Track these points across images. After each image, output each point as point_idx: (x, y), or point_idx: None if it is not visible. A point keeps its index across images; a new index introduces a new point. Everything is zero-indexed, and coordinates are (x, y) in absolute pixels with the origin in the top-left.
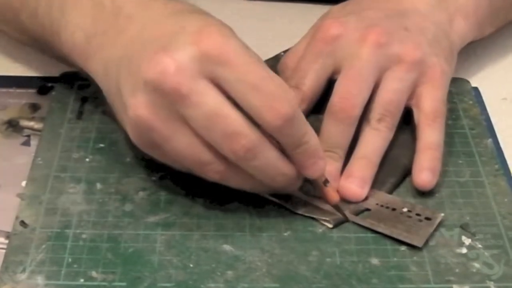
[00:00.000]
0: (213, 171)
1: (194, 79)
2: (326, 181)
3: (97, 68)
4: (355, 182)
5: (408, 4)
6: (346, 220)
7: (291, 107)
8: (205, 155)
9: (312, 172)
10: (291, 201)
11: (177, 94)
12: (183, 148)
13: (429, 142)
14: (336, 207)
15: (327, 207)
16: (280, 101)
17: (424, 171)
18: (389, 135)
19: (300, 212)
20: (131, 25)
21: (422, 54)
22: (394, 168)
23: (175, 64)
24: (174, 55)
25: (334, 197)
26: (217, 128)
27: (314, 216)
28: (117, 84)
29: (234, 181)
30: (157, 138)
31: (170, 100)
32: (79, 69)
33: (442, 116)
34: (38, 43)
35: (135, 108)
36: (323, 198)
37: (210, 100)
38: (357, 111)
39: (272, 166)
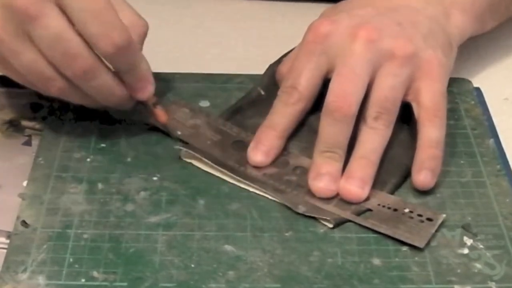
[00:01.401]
0: (55, 87)
1: (43, 1)
2: (156, 103)
3: None
4: (355, 183)
5: (400, 1)
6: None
7: (124, 37)
8: (49, 72)
9: (141, 95)
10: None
11: (26, 14)
12: (29, 64)
13: (430, 140)
14: (165, 126)
15: (327, 207)
16: (115, 31)
17: (424, 171)
18: (387, 132)
19: (300, 211)
20: None
21: (415, 48)
22: (395, 168)
23: None
24: None
25: (162, 117)
26: (59, 50)
27: (315, 216)
28: None
29: (74, 98)
30: (5, 52)
31: (18, 18)
32: None
33: (442, 110)
34: None
35: None
36: (152, 117)
37: (55, 24)
38: (353, 109)
39: (106, 88)
